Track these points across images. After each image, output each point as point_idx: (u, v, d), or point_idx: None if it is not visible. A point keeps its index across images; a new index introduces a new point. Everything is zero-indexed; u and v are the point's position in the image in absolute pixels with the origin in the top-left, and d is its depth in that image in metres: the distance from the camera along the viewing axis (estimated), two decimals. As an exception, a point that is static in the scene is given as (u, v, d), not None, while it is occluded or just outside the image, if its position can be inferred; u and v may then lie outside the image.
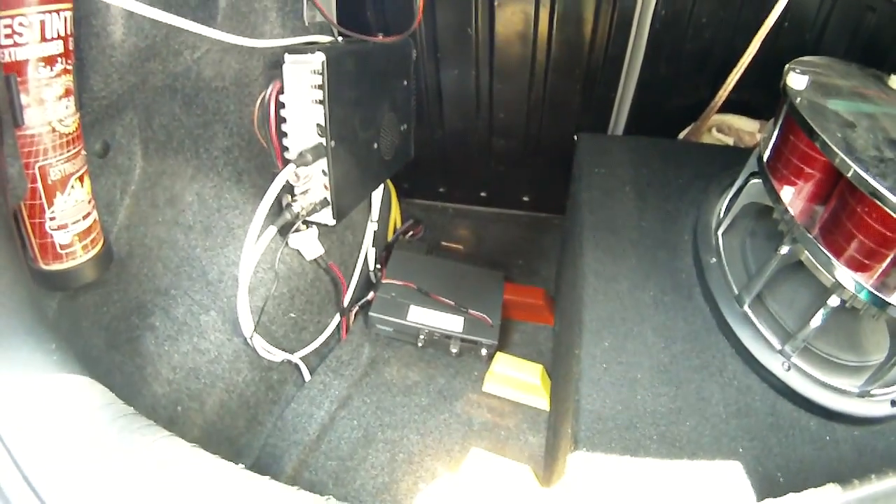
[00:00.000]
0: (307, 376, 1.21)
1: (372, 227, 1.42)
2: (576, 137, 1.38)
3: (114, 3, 0.69)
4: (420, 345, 1.30)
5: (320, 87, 0.95)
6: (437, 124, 1.69)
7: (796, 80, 0.91)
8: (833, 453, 0.85)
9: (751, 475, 0.80)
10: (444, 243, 1.73)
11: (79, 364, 0.58)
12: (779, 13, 1.27)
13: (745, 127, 1.49)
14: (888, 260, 0.78)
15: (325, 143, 0.99)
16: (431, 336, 1.30)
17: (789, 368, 0.90)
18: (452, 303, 1.34)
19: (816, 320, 0.86)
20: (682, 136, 1.53)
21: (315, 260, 1.19)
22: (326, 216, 1.06)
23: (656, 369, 0.91)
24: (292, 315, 1.15)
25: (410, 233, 1.70)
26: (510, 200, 1.86)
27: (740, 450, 0.83)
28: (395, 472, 1.09)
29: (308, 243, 1.14)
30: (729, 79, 1.37)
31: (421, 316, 1.31)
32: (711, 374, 0.92)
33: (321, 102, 0.96)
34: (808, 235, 0.84)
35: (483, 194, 1.86)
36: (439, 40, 1.51)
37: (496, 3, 1.42)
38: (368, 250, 1.43)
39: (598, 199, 1.19)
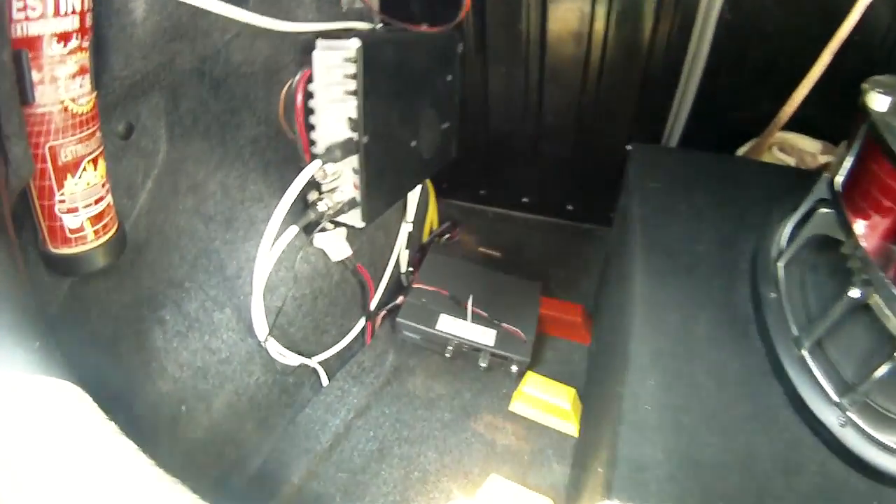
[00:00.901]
0: (325, 381, 1.16)
1: (406, 228, 1.37)
2: (628, 147, 1.31)
3: None
4: (448, 356, 1.24)
5: (354, 76, 0.88)
6: (480, 124, 1.63)
7: (878, 101, 0.84)
8: None
9: None
10: (481, 249, 1.67)
11: (64, 368, 0.53)
12: (852, 25, 1.20)
13: (808, 147, 1.41)
14: None
15: (356, 139, 0.92)
16: (460, 347, 1.24)
17: (845, 424, 0.82)
18: (486, 314, 1.28)
19: (881, 372, 0.79)
20: (741, 152, 1.45)
21: (342, 261, 1.14)
22: (354, 218, 0.99)
23: (705, 415, 0.85)
24: (314, 317, 1.10)
25: (447, 235, 1.65)
26: (553, 208, 1.80)
27: None
28: (407, 491, 1.04)
29: (335, 244, 1.09)
30: (797, 93, 1.29)
31: (451, 325, 1.25)
32: (763, 424, 0.85)
33: (354, 94, 0.89)
34: (883, 277, 0.77)
35: (525, 200, 1.80)
36: (488, 35, 1.46)
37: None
38: (401, 252, 1.38)
39: (652, 217, 1.12)
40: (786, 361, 0.90)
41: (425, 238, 1.57)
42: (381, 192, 1.03)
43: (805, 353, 0.88)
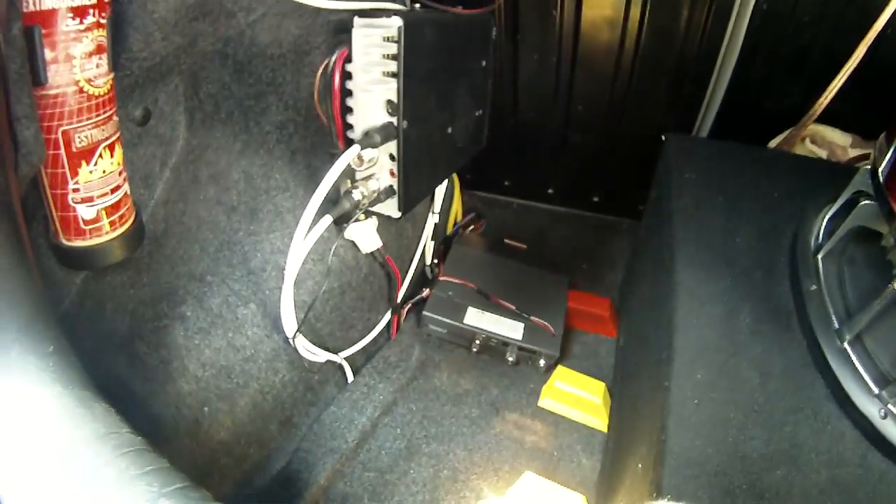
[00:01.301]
0: (350, 377, 1.13)
1: (433, 219, 1.33)
2: (664, 137, 1.27)
3: None
4: (475, 350, 1.21)
5: (394, 57, 0.84)
6: (509, 112, 1.60)
7: None
8: None
9: None
10: (506, 240, 1.63)
11: (81, 372, 0.50)
12: (888, 17, 1.17)
13: (839, 140, 1.38)
14: None
15: (396, 123, 0.88)
16: (488, 342, 1.21)
17: (886, 416, 0.82)
18: (513, 307, 1.25)
19: None
20: (774, 143, 1.42)
21: (371, 253, 1.10)
22: (391, 207, 0.96)
23: (750, 408, 0.84)
24: (341, 312, 1.07)
25: (471, 227, 1.62)
26: (579, 200, 1.76)
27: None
28: (437, 490, 1.01)
29: (365, 235, 1.05)
30: (832, 85, 1.26)
31: (478, 319, 1.22)
32: (806, 416, 0.85)
33: (395, 75, 0.85)
34: None
35: (550, 191, 1.77)
36: (521, 19, 1.42)
37: None
38: (427, 244, 1.35)
39: (690, 209, 1.10)
40: (828, 354, 0.90)
41: (449, 230, 1.53)
42: (419, 180, 1.00)
43: (846, 345, 0.89)
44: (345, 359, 1.09)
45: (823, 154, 1.38)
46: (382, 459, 1.05)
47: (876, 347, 0.88)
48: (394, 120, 0.88)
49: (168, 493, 0.42)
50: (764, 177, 1.18)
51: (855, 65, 1.23)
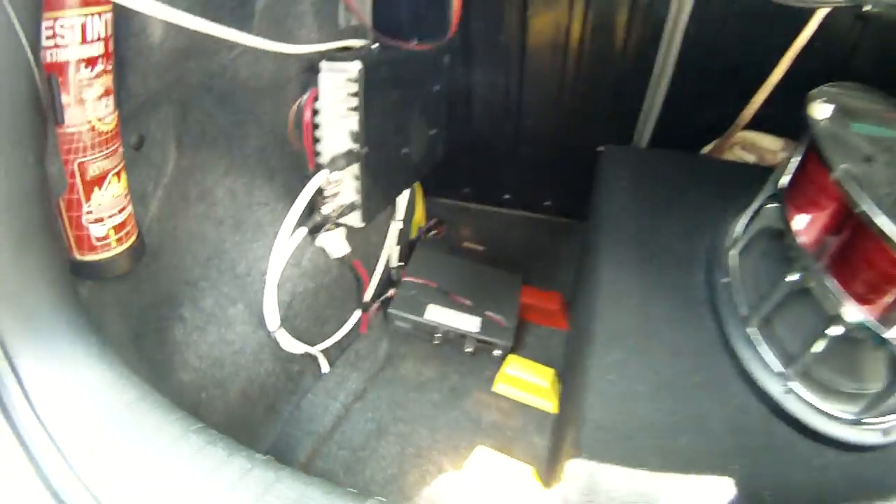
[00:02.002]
0: (326, 368, 1.25)
1: (396, 226, 1.45)
2: (599, 149, 1.40)
3: (147, 12, 0.71)
4: (436, 342, 1.34)
5: (356, 94, 0.97)
6: (465, 127, 1.72)
7: (819, 110, 0.93)
8: (822, 478, 0.86)
9: (741, 492, 0.82)
10: (466, 244, 1.76)
11: (117, 355, 0.62)
12: (809, 35, 1.29)
13: (769, 146, 1.50)
14: (891, 297, 0.80)
15: (357, 150, 1.02)
16: (448, 335, 1.33)
17: (788, 392, 0.92)
18: (470, 303, 1.37)
19: (817, 347, 0.88)
20: (705, 151, 1.54)
21: (341, 258, 1.22)
22: (355, 219, 1.10)
23: (659, 384, 0.94)
24: (315, 309, 1.19)
25: (433, 232, 1.74)
26: (533, 204, 1.89)
27: (733, 467, 0.84)
28: (403, 465, 1.13)
29: (335, 242, 1.18)
30: (754, 98, 1.38)
31: (439, 314, 1.35)
32: (712, 392, 0.94)
33: (356, 110, 0.99)
34: (816, 265, 0.86)
35: (507, 196, 1.89)
36: (472, 47, 1.55)
37: (529, 14, 1.45)
38: (391, 248, 1.47)
39: (618, 212, 1.21)
40: (734, 337, 0.99)
41: (413, 235, 1.65)
42: (378, 195, 1.13)
43: (752, 330, 0.97)
44: (320, 351, 1.21)
45: (753, 159, 1.49)
46: (355, 439, 1.17)
47: (784, 332, 0.97)
48: (356, 147, 1.02)
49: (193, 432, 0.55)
50: (691, 182, 1.28)
51: (779, 78, 1.36)
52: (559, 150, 1.70)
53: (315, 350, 1.19)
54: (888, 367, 0.91)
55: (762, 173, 1.10)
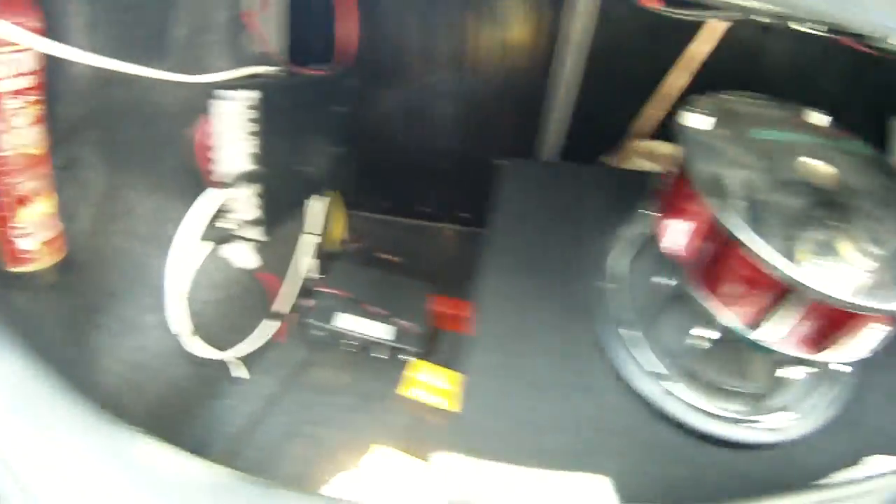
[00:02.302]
0: (241, 375, 1.32)
1: (309, 239, 1.53)
2: (497, 163, 1.47)
3: (57, 54, 0.78)
4: (349, 350, 1.42)
5: (255, 121, 1.07)
6: (381, 143, 1.79)
7: (690, 119, 0.95)
8: (702, 476, 0.90)
9: (619, 489, 0.84)
10: (381, 255, 1.83)
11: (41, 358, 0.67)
12: (710, 46, 1.39)
13: (666, 152, 1.54)
14: (755, 301, 0.83)
15: (256, 170, 1.11)
16: (361, 342, 1.42)
17: (665, 392, 0.96)
18: (384, 311, 1.46)
19: (697, 349, 0.93)
20: (605, 160, 1.63)
21: (252, 269, 1.29)
22: (259, 233, 1.19)
23: (537, 386, 0.99)
24: (230, 318, 1.26)
25: (351, 244, 1.80)
26: (448, 216, 1.95)
27: (610, 465, 0.87)
28: (313, 466, 1.20)
29: (243, 255, 1.24)
30: (651, 108, 1.48)
31: (352, 323, 1.43)
32: (589, 393, 0.99)
33: (254, 134, 1.08)
34: (687, 270, 0.91)
35: (424, 209, 1.95)
36: (379, 64, 1.62)
37: (434, 33, 1.56)
38: (307, 260, 1.55)
39: (511, 224, 1.27)
40: (611, 341, 1.03)
41: (334, 247, 1.73)
42: (278, 210, 1.22)
43: (625, 331, 1.03)
44: (236, 358, 1.28)
45: (652, 167, 1.53)
46: (267, 442, 1.23)
47: (662, 335, 1.00)
48: (254, 167, 1.11)
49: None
50: (587, 192, 1.33)
51: (677, 90, 1.46)
52: (472, 163, 1.76)
53: (230, 356, 1.26)
54: (767, 367, 0.95)
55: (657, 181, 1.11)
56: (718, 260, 0.86)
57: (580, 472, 0.87)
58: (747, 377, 0.97)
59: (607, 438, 0.94)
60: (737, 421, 0.94)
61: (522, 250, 1.22)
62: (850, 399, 1.00)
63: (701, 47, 1.44)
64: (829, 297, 0.75)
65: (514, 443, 0.92)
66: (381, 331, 1.42)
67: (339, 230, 1.77)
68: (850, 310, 0.78)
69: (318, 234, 1.55)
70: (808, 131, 1.02)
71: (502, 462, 0.88)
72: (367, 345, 1.42)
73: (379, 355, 1.41)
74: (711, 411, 0.95)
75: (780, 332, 0.84)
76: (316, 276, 1.60)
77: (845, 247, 0.78)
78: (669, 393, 0.96)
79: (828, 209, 0.84)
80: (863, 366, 0.95)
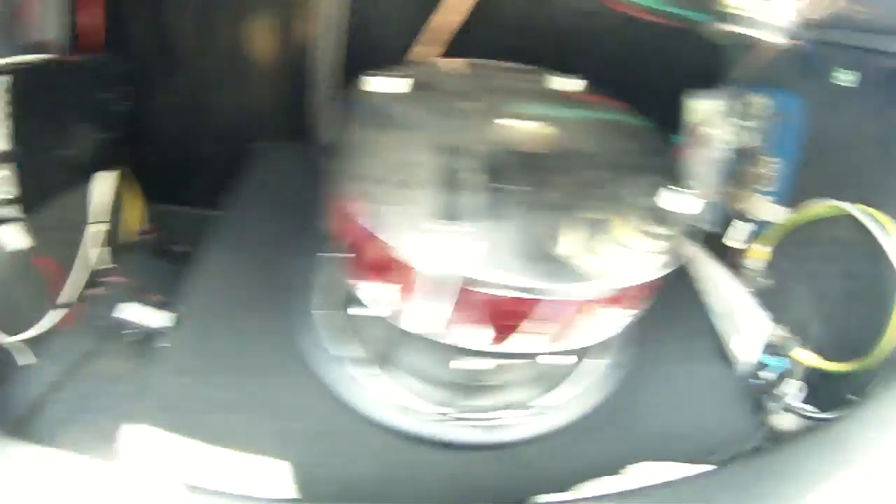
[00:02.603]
0: (24, 360, 1.35)
1: (95, 227, 1.57)
2: (251, 147, 1.56)
3: None
4: (133, 339, 1.47)
5: (8, 102, 1.12)
6: (167, 134, 1.85)
7: (372, 83, 1.03)
8: (400, 474, 0.92)
9: (298, 477, 0.88)
10: (175, 247, 1.85)
11: None
12: (459, 17, 1.48)
13: None
14: (399, 289, 0.82)
15: (9, 150, 1.16)
16: (143, 331, 1.47)
17: (362, 386, 0.99)
18: (166, 301, 1.50)
19: (379, 342, 0.98)
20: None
21: (27, 251, 1.32)
22: (16, 211, 1.23)
23: (229, 369, 1.04)
24: (11, 301, 1.30)
25: (146, 234, 1.83)
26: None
27: (292, 452, 0.91)
28: (90, 451, 1.27)
29: (12, 235, 1.27)
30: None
31: (137, 313, 1.48)
32: (276, 377, 1.03)
33: (8, 116, 1.13)
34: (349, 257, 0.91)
35: (218, 199, 1.95)
36: (159, 53, 1.69)
37: (209, 19, 1.64)
38: (95, 248, 1.58)
39: (242, 205, 1.40)
40: (305, 331, 1.08)
41: (128, 237, 1.76)
42: (38, 190, 1.27)
43: (317, 313, 1.07)
44: (19, 342, 1.31)
45: None
46: (46, 428, 1.28)
47: (359, 328, 1.03)
48: (7, 148, 1.16)
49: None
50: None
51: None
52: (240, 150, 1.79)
53: (12, 340, 1.29)
54: (471, 357, 0.92)
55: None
56: (358, 243, 0.86)
57: (263, 456, 0.90)
58: (450, 368, 0.93)
59: (291, 424, 0.96)
60: (438, 419, 0.94)
61: (245, 231, 1.32)
62: (609, 396, 1.01)
63: (448, 18, 1.51)
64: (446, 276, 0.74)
65: (202, 421, 0.96)
66: (162, 320, 1.48)
67: (136, 220, 1.80)
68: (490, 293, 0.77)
69: (106, 223, 1.59)
70: (534, 97, 1.06)
71: (188, 438, 0.92)
72: (150, 334, 1.48)
73: (161, 344, 1.49)
74: (411, 407, 0.95)
75: (429, 319, 0.81)
76: (108, 265, 1.64)
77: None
78: (354, 380, 0.98)
79: (515, 173, 0.86)
80: (636, 360, 1.01)
